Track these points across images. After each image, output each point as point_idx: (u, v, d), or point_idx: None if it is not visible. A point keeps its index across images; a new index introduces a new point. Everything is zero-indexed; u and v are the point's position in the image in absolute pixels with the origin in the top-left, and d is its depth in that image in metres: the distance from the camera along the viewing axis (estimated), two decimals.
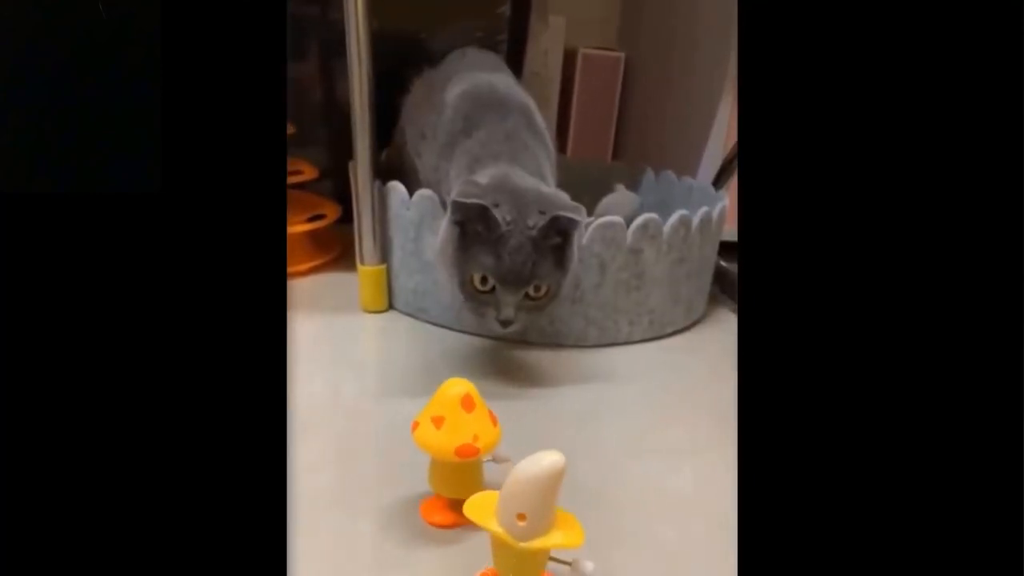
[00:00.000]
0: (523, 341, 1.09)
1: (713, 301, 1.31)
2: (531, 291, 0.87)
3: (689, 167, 1.50)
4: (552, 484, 0.53)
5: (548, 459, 0.53)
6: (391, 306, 1.19)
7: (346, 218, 1.27)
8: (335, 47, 1.35)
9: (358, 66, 1.06)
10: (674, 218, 1.08)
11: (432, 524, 0.68)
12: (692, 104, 1.60)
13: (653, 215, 1.06)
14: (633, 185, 1.45)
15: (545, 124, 1.12)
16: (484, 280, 0.87)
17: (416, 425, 0.66)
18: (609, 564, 0.65)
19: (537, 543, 0.54)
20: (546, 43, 1.78)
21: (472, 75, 1.13)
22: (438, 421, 0.65)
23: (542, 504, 0.54)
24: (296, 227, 1.28)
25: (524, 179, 0.92)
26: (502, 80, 1.15)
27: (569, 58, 1.82)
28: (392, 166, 1.23)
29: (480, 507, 0.57)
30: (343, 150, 1.16)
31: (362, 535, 0.65)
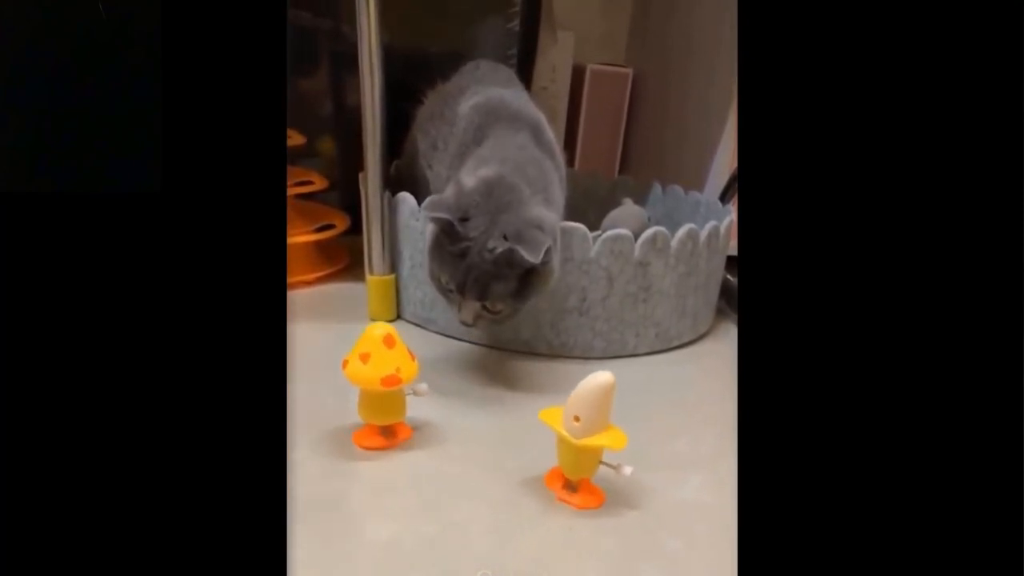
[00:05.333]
0: (530, 352, 1.09)
1: (720, 315, 1.31)
2: (488, 305, 0.91)
3: (696, 181, 1.51)
4: (602, 395, 0.69)
5: (601, 376, 0.69)
6: (399, 316, 1.19)
7: (355, 228, 1.27)
8: (346, 60, 1.36)
9: (370, 78, 1.06)
10: (682, 232, 1.08)
11: (363, 447, 0.80)
12: (699, 119, 1.61)
13: (661, 228, 1.06)
14: (640, 199, 1.45)
15: (556, 138, 1.13)
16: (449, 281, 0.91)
17: (346, 363, 0.77)
18: (615, 574, 0.64)
19: (588, 441, 0.70)
20: (555, 58, 1.79)
21: (485, 88, 1.14)
22: (365, 357, 0.76)
23: (594, 410, 0.69)
24: (305, 237, 1.28)
25: (513, 191, 0.92)
26: (514, 94, 1.15)
27: (578, 74, 1.82)
28: (402, 177, 1.24)
29: (551, 416, 0.72)
30: (353, 161, 1.16)
31: (366, 545, 0.65)
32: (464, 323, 0.93)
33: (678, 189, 1.43)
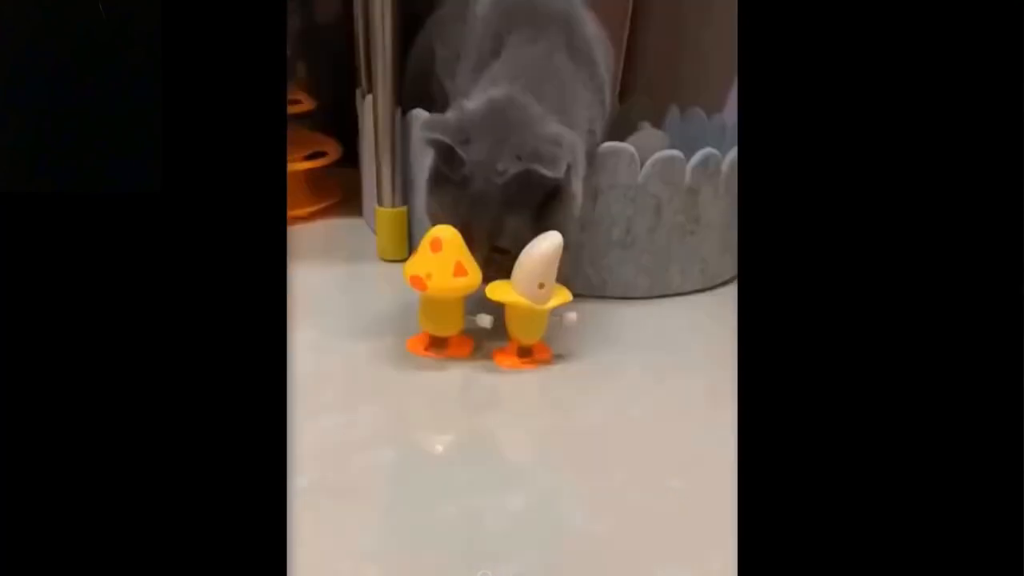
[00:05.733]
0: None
1: None
2: (499, 244, 0.81)
3: (717, 103, 1.34)
4: (557, 256, 0.75)
5: (551, 238, 0.74)
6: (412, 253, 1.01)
7: (347, 159, 1.16)
8: None
9: None
10: (732, 154, 1.00)
11: (415, 354, 0.84)
12: (714, 32, 1.41)
13: (713, 150, 0.98)
14: (657, 123, 1.32)
15: (598, 34, 0.99)
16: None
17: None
18: (623, 513, 0.64)
19: (552, 303, 0.78)
20: None
21: None
22: (416, 254, 0.79)
23: (552, 274, 0.76)
24: (294, 165, 1.17)
25: (525, 109, 0.80)
26: None
27: None
28: (407, 96, 1.08)
29: (500, 289, 0.78)
30: (338, 82, 1.06)
31: (366, 514, 0.63)
32: None
33: (700, 112, 1.29)
